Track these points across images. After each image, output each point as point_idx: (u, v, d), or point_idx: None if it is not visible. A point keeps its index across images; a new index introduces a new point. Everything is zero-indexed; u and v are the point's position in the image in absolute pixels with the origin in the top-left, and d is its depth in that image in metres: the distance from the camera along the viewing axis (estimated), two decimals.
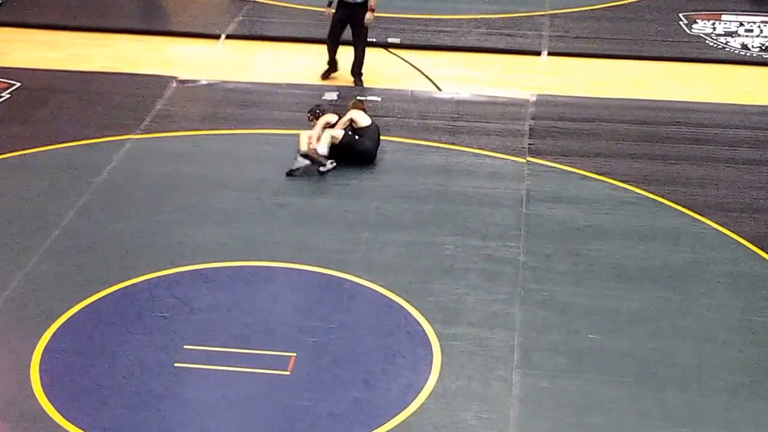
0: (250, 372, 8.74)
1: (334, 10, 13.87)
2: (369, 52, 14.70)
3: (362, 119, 12.02)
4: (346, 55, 14.13)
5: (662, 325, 9.40)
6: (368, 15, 13.75)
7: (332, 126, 11.95)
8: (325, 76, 14.14)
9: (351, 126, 11.97)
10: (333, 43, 14.05)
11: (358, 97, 12.96)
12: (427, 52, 15.19)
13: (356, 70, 14.08)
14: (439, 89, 14.13)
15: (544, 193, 11.46)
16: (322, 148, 11.62)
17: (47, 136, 12.53)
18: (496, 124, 13.03)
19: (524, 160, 12.14)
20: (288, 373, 8.73)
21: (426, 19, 16.14)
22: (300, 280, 10.01)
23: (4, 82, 13.89)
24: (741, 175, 11.92)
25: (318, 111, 12.16)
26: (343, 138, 11.74)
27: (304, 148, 11.62)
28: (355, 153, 11.78)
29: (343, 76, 14.18)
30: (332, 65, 14.17)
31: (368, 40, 14.87)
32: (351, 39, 14.02)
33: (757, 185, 11.71)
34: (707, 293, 9.85)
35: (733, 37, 15.64)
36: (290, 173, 11.58)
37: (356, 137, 11.82)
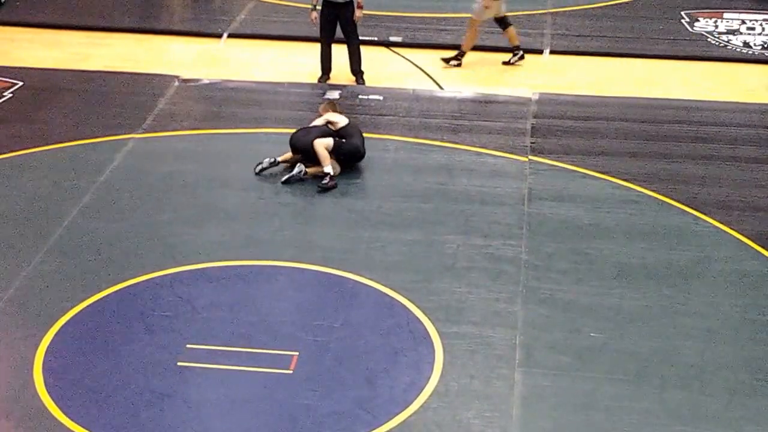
0: (252, 371, 8.75)
1: (316, 14, 13.87)
2: (371, 50, 14.74)
3: (339, 120, 11.86)
4: (343, 54, 14.12)
5: (664, 324, 9.41)
6: (357, 12, 13.77)
7: (310, 128, 11.85)
8: (321, 81, 14.10)
9: (329, 128, 11.82)
10: (326, 42, 14.05)
11: (328, 97, 13.08)
12: (429, 51, 15.19)
13: (356, 68, 14.08)
14: (441, 88, 14.14)
15: (546, 191, 11.46)
16: (329, 168, 11.52)
17: (49, 135, 12.54)
18: (497, 122, 13.03)
19: (526, 159, 12.15)
20: (290, 371, 8.74)
21: (428, 18, 16.15)
22: (302, 279, 10.02)
23: (6, 82, 13.91)
24: (743, 173, 11.92)
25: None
26: (334, 145, 11.68)
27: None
28: (345, 154, 11.74)
29: (345, 75, 14.18)
30: (326, 69, 14.13)
31: (371, 39, 14.92)
32: (343, 38, 14.03)
33: (759, 183, 11.71)
34: (709, 292, 9.85)
35: (735, 35, 15.64)
36: (261, 171, 11.66)
37: (342, 140, 11.73)
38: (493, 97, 13.76)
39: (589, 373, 8.78)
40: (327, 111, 12.01)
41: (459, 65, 14.63)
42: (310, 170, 11.55)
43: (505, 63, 14.68)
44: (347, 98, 13.44)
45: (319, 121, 11.95)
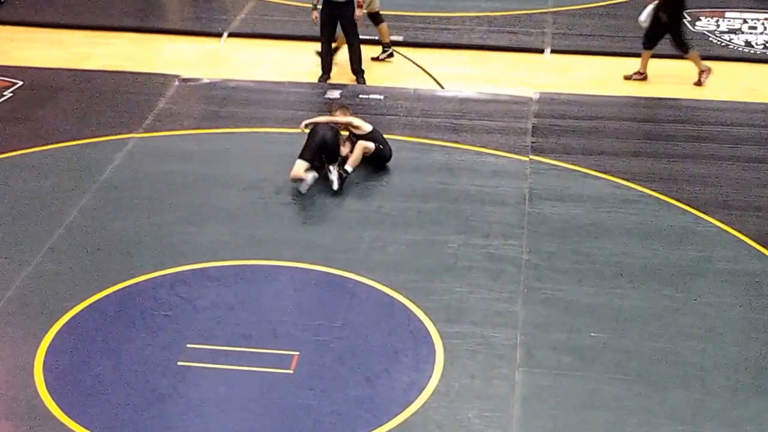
0: (253, 371, 8.75)
1: (317, 14, 13.88)
2: (372, 50, 14.72)
3: (364, 125, 11.71)
4: (343, 54, 14.12)
5: (665, 324, 9.40)
6: (357, 12, 13.77)
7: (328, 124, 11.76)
8: (321, 80, 14.09)
9: (352, 133, 11.80)
10: (326, 42, 14.05)
11: (329, 97, 12.99)
12: (430, 50, 15.19)
13: (356, 67, 14.08)
14: (442, 87, 14.13)
15: (546, 191, 11.46)
16: (350, 168, 11.44)
17: (50, 135, 12.54)
18: (498, 122, 13.02)
19: (527, 158, 12.13)
20: (291, 371, 8.74)
21: (429, 17, 16.15)
22: (303, 278, 10.02)
23: (6, 81, 13.90)
24: (744, 172, 11.91)
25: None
26: (374, 151, 11.65)
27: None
28: (380, 159, 11.76)
29: (345, 74, 14.18)
30: (326, 69, 14.12)
31: (372, 38, 14.90)
32: (343, 37, 14.02)
33: (760, 183, 11.70)
34: (710, 291, 9.84)
35: (736, 34, 15.63)
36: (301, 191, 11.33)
37: (380, 146, 11.73)
38: (494, 96, 13.75)
39: (590, 373, 8.78)
40: (345, 115, 11.78)
41: (392, 55, 14.72)
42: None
43: (374, 59, 14.66)
44: (348, 98, 13.43)
45: (342, 120, 11.70)
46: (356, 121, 11.77)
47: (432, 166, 11.97)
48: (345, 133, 11.86)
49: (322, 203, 11.25)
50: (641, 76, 14.22)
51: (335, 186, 11.24)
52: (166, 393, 8.48)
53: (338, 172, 11.33)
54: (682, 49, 14.02)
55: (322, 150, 11.41)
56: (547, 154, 12.23)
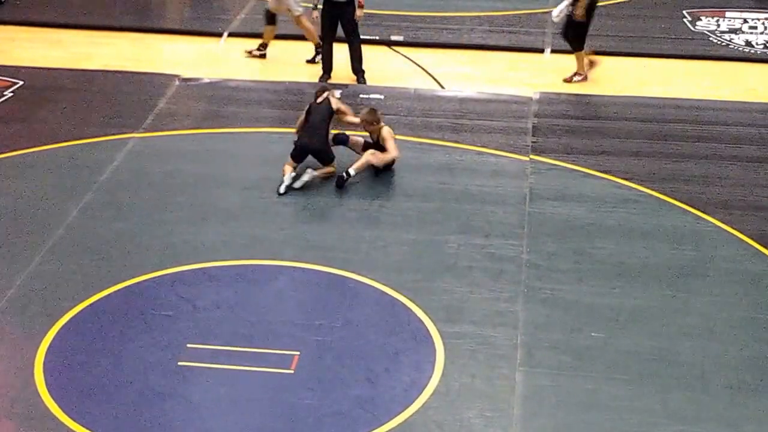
0: (253, 370, 8.75)
1: (317, 14, 13.88)
2: (372, 49, 14.73)
3: (393, 149, 11.62)
4: (344, 53, 14.11)
5: (665, 323, 9.39)
6: (358, 11, 13.77)
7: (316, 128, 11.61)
8: (322, 80, 14.08)
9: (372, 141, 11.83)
10: (327, 42, 14.05)
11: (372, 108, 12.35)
12: (430, 50, 15.19)
13: (357, 67, 14.07)
14: (442, 87, 14.13)
15: (547, 191, 11.45)
16: (353, 171, 11.44)
17: (50, 134, 12.54)
18: (499, 121, 13.02)
19: (527, 158, 12.13)
20: (291, 371, 8.74)
21: (429, 17, 16.14)
22: (303, 278, 10.01)
23: (6, 81, 13.90)
24: (744, 172, 11.91)
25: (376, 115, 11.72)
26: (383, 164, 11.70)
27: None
28: (385, 167, 11.74)
29: (346, 74, 14.17)
30: (327, 68, 14.11)
31: (373, 38, 14.90)
32: (344, 37, 14.01)
33: (761, 183, 11.69)
34: (710, 291, 9.84)
35: (737, 34, 15.62)
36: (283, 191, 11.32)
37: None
38: (494, 96, 13.74)
39: (590, 372, 8.78)
40: (374, 120, 11.62)
41: (264, 56, 14.76)
42: (318, 172, 11.47)
43: (248, 52, 14.85)
44: (348, 97, 13.40)
45: (391, 148, 11.62)
46: (390, 143, 11.61)
47: (432, 165, 11.97)
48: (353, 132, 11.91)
49: (322, 203, 11.25)
50: (581, 76, 14.14)
51: (297, 184, 11.25)
52: (167, 393, 8.48)
53: (313, 174, 11.38)
54: (575, 45, 14.00)
55: (307, 155, 11.49)
56: (547, 153, 12.23)
